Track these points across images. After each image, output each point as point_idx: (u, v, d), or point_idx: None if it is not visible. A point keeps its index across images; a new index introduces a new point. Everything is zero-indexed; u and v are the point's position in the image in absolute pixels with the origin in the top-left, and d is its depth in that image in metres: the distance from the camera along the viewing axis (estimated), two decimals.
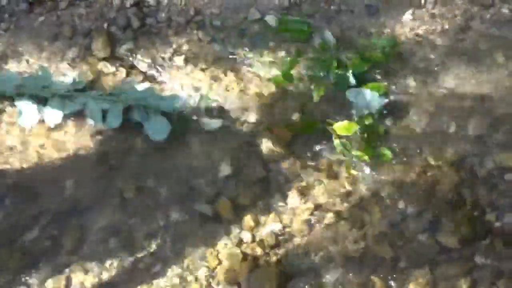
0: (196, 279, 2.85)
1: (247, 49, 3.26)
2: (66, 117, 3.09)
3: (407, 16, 3.30)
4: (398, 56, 3.21)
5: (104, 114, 3.07)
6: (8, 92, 3.10)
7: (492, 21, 3.26)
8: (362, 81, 3.13)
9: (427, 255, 2.87)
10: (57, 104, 3.07)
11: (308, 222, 2.93)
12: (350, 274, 2.83)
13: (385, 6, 3.33)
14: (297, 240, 2.91)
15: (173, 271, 2.86)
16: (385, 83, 3.14)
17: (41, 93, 3.09)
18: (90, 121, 3.07)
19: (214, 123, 3.11)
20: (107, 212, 2.95)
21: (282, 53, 3.24)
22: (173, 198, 2.97)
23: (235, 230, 2.93)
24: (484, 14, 3.28)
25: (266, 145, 3.05)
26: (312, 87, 3.16)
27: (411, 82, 3.16)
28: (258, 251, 2.88)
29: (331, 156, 3.04)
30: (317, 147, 3.06)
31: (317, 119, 3.10)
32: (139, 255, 2.89)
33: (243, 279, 2.83)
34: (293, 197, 2.97)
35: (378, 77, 3.17)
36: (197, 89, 3.17)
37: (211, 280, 2.84)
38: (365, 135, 3.05)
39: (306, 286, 2.82)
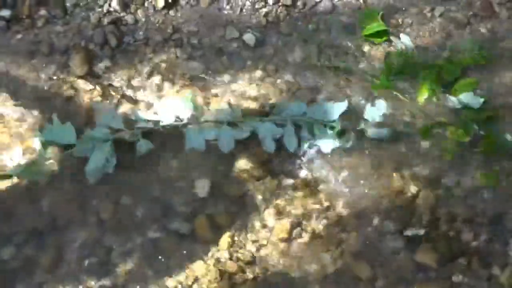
0: None
1: (225, 67, 3.28)
2: None
3: None
4: None
5: None
6: None
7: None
8: None
9: (404, 274, 2.87)
10: None
11: (285, 240, 2.92)
12: None
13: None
14: (274, 259, 2.90)
15: None
16: None
17: None
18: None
19: None
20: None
21: (259, 72, 3.25)
22: (149, 217, 2.96)
23: (212, 249, 2.91)
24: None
25: (243, 163, 3.05)
26: None
27: None
28: (235, 269, 2.86)
29: (308, 174, 3.04)
30: (294, 166, 3.06)
31: None
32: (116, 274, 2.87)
33: None
34: (270, 216, 2.96)
35: None
36: (173, 107, 3.16)
37: None
38: None
39: None
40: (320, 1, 3.42)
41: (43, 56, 3.28)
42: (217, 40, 3.35)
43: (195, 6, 3.42)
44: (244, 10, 3.42)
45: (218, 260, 2.88)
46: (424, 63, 3.27)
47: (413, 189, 3.00)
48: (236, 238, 2.93)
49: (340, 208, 2.98)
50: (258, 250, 2.91)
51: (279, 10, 3.41)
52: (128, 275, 2.86)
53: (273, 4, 3.41)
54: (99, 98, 3.16)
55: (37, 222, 2.93)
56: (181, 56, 3.30)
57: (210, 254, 2.90)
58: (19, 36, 3.31)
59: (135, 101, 3.19)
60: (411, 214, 2.96)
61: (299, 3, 3.42)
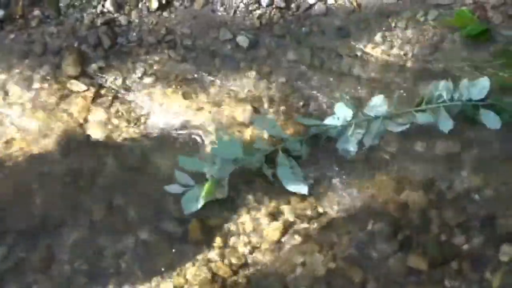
0: None
1: (217, 68, 3.28)
2: None
3: (378, 38, 3.33)
4: None
5: None
6: None
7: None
8: None
9: (396, 277, 2.87)
10: None
11: (277, 243, 2.92)
12: None
13: (356, 28, 3.37)
14: (266, 261, 2.89)
15: None
16: None
17: None
18: None
19: None
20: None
21: (253, 73, 3.26)
22: (142, 218, 2.95)
23: (204, 251, 2.91)
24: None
25: None
26: None
27: None
28: (227, 271, 2.86)
29: None
30: None
31: None
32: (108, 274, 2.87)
33: None
34: (262, 218, 2.96)
35: None
36: (167, 109, 3.17)
37: None
38: None
39: None
40: (314, 4, 3.43)
41: (36, 56, 3.28)
42: (211, 42, 3.35)
43: (189, 8, 3.43)
44: (237, 12, 3.42)
45: (209, 262, 2.88)
46: None
47: (405, 192, 3.01)
48: (227, 240, 2.92)
49: (332, 211, 2.98)
50: (250, 252, 2.91)
51: (272, 13, 3.42)
52: (120, 276, 2.85)
53: (267, 6, 3.42)
54: (91, 99, 3.17)
55: (29, 222, 2.93)
56: (174, 57, 3.30)
57: (202, 256, 2.89)
58: (12, 36, 3.32)
59: (127, 102, 3.19)
60: (402, 218, 2.96)
61: (292, 6, 3.43)
